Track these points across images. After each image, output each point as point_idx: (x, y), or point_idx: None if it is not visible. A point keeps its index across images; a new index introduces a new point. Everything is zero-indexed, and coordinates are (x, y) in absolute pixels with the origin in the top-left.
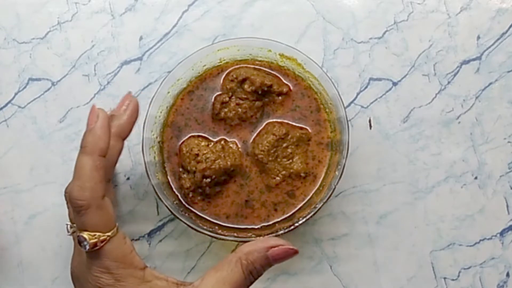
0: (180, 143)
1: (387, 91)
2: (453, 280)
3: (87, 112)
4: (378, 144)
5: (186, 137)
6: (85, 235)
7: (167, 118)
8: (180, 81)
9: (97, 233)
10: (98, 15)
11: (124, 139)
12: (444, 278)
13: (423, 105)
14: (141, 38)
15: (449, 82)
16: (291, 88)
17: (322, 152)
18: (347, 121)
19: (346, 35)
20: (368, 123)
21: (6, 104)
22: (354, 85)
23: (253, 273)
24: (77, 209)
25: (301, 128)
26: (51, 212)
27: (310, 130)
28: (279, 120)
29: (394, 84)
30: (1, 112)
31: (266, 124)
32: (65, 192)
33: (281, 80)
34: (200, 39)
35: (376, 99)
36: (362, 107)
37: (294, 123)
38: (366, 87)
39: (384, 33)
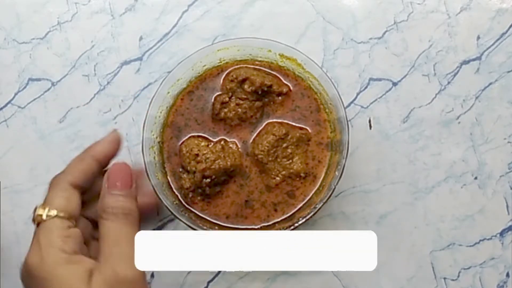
0: (180, 143)
1: (387, 91)
2: (453, 280)
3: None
4: (378, 144)
5: (186, 137)
6: None
7: (167, 118)
8: (180, 81)
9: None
10: (98, 15)
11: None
12: (444, 278)
13: (423, 105)
14: (141, 38)
15: (449, 82)
16: (291, 88)
17: (322, 152)
18: (347, 121)
19: (346, 35)
20: (368, 123)
21: (6, 104)
22: (354, 85)
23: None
24: None
25: (301, 128)
26: None
27: (310, 130)
28: (279, 120)
29: (394, 84)
30: (1, 112)
31: (266, 124)
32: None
33: (281, 80)
34: (200, 39)
35: (376, 99)
36: (362, 107)
37: (294, 123)
38: (366, 87)
39: (384, 33)
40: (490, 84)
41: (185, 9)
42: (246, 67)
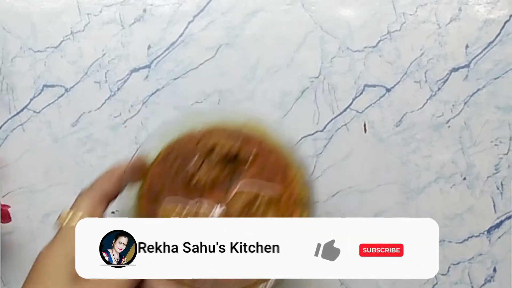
0: (156, 210)
1: (381, 97)
2: (443, 275)
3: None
4: (372, 147)
5: (161, 206)
6: None
7: (141, 190)
8: (152, 153)
9: None
10: (108, 26)
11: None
12: None
13: (415, 110)
14: (149, 47)
15: (439, 89)
16: (260, 150)
17: (292, 209)
18: (311, 180)
19: (342, 44)
20: (363, 127)
21: (22, 109)
22: (350, 91)
23: None
24: None
25: (272, 187)
26: None
27: (280, 189)
28: (250, 181)
29: (388, 90)
30: (17, 117)
31: (239, 186)
32: None
33: (249, 142)
34: (204, 48)
35: (371, 105)
36: (357, 112)
37: (264, 183)
38: (361, 93)
39: (378, 42)
40: (478, 90)
41: (191, 19)
42: (216, 132)
